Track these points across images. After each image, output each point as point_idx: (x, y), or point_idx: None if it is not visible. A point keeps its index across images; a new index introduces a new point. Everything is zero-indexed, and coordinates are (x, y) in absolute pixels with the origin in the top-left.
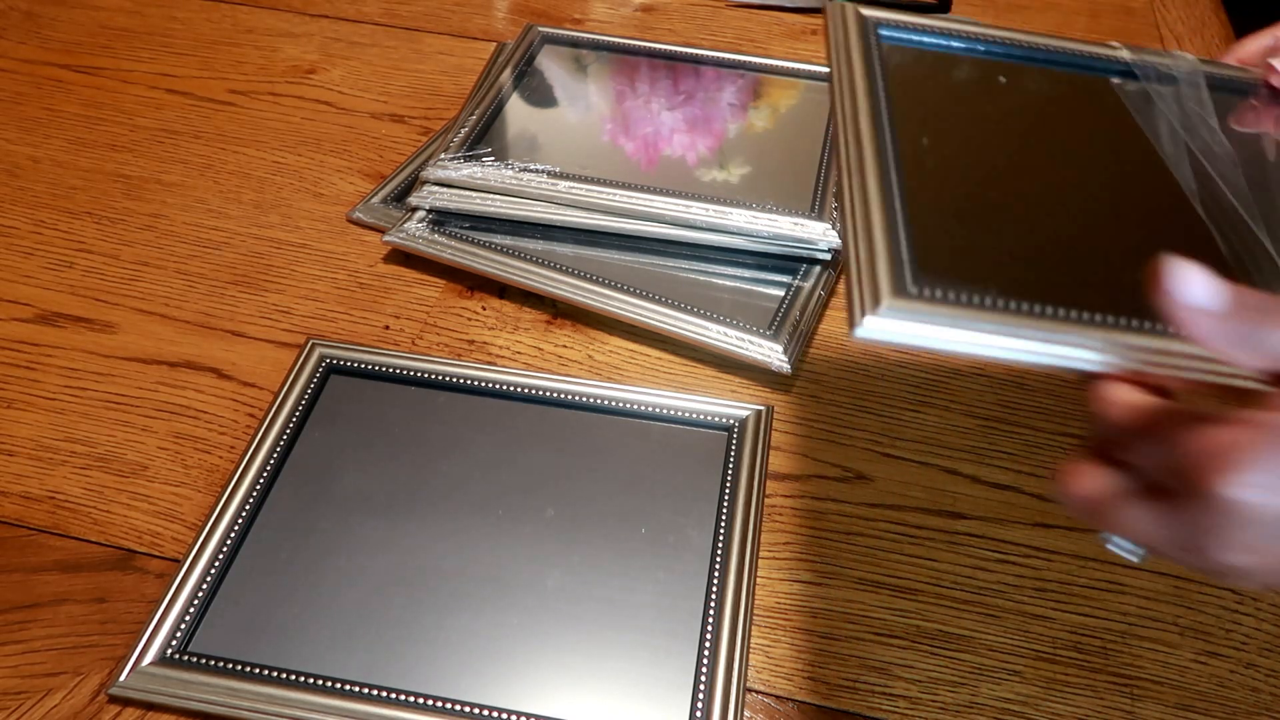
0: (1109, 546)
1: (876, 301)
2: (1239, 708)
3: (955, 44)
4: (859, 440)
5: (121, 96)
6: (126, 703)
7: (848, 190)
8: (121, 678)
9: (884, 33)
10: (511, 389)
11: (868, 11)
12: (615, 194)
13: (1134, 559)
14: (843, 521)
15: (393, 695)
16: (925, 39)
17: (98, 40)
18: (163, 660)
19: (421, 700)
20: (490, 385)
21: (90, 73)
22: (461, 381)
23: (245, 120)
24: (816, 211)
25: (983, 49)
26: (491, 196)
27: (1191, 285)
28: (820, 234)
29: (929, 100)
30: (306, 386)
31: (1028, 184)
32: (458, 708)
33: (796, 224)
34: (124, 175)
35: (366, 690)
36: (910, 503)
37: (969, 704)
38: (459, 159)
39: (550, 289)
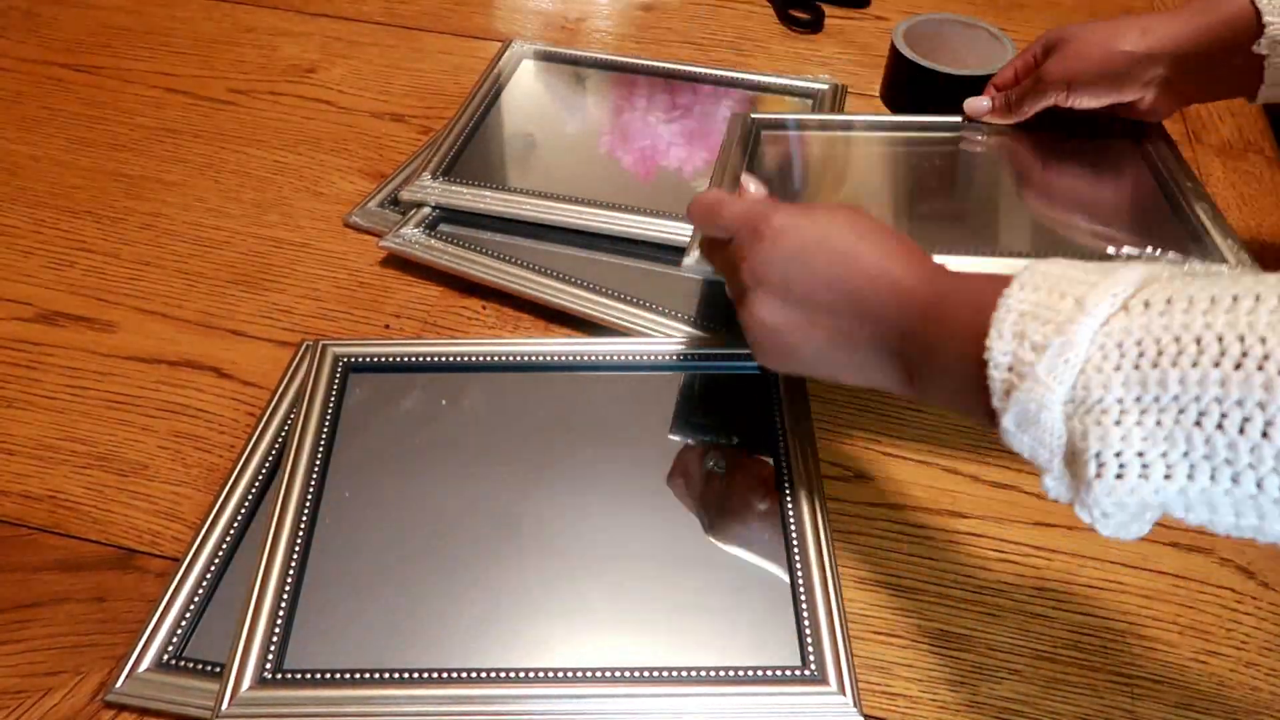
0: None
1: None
2: (1239, 707)
3: (413, 369)
4: (859, 440)
5: (121, 96)
6: (122, 708)
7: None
8: (118, 684)
9: (353, 373)
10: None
11: (340, 349)
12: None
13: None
14: (843, 521)
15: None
16: (388, 374)
17: (98, 40)
18: (159, 666)
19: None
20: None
21: (90, 72)
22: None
23: (245, 119)
24: None
25: (430, 371)
26: (485, 194)
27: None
28: None
29: (369, 441)
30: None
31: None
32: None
33: None
34: (124, 175)
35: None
36: (910, 503)
37: (969, 703)
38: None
39: (547, 297)
